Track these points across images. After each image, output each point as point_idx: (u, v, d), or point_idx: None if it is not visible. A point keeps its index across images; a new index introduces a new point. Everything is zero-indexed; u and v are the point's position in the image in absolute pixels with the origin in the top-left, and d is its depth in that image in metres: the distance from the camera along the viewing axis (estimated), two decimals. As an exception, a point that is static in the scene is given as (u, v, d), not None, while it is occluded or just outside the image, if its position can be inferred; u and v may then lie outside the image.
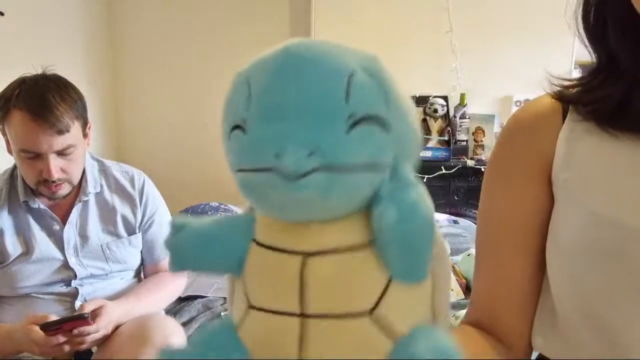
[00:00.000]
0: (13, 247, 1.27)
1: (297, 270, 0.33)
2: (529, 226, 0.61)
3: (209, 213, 2.53)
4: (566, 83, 0.61)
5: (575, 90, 0.60)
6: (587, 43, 0.60)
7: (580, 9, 0.60)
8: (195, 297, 1.66)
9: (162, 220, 1.44)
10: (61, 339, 1.13)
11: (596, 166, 0.56)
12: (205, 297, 1.67)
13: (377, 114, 0.32)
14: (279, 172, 0.31)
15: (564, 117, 0.60)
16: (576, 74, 2.87)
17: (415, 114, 0.36)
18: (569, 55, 2.81)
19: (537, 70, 2.57)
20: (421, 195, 0.32)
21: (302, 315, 0.33)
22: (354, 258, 0.33)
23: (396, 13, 2.85)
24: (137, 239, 1.40)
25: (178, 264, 0.38)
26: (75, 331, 1.14)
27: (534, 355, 0.67)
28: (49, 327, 1.12)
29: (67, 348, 1.15)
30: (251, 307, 0.36)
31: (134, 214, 1.39)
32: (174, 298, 1.48)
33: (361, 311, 0.33)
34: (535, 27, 2.79)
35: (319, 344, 0.33)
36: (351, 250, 0.33)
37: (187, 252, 0.38)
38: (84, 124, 1.28)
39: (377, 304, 0.33)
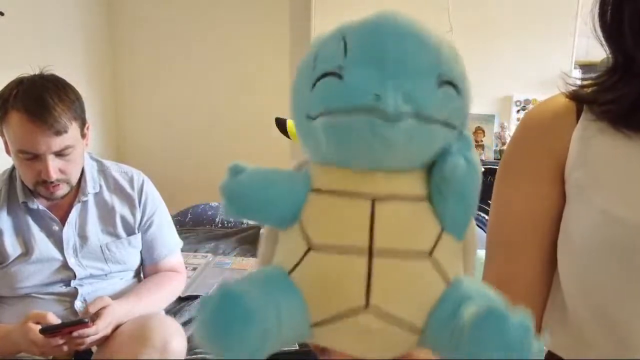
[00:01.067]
0: (12, 247, 1.27)
1: (368, 211, 0.36)
2: (540, 223, 0.62)
3: (209, 213, 2.53)
4: (581, 82, 0.62)
5: (590, 89, 0.61)
6: (603, 42, 0.60)
7: (597, 8, 0.60)
8: (195, 297, 1.65)
9: (161, 221, 1.43)
10: (60, 340, 1.13)
11: (609, 165, 0.57)
12: (205, 297, 1.66)
13: (457, 81, 0.36)
14: (376, 112, 0.33)
15: (578, 117, 0.61)
16: (576, 73, 2.86)
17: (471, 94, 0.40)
18: (569, 55, 2.81)
19: (537, 70, 2.60)
20: (477, 157, 0.38)
21: (370, 253, 0.35)
22: (417, 206, 0.37)
23: (396, 13, 2.84)
24: (137, 239, 1.39)
25: (235, 208, 0.38)
26: (75, 333, 1.14)
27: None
28: (48, 331, 1.12)
29: (66, 349, 1.15)
30: (312, 249, 0.37)
31: (133, 214, 1.38)
32: (174, 298, 1.47)
33: (422, 250, 0.36)
34: (535, 27, 2.79)
35: (386, 281, 0.35)
36: (414, 199, 0.37)
37: (245, 195, 0.38)
38: (82, 124, 1.28)
39: (434, 246, 0.37)
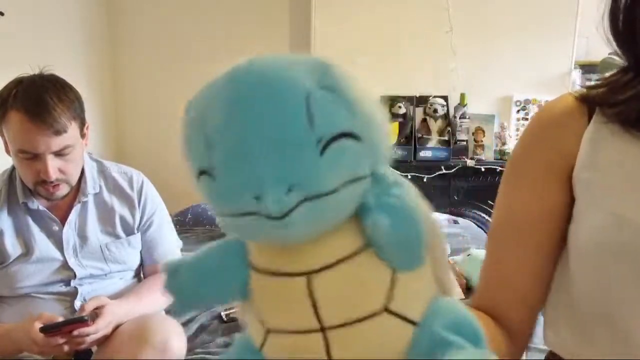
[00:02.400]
0: (13, 247, 1.27)
1: (305, 290, 0.33)
2: (544, 222, 0.62)
3: (209, 213, 2.53)
4: (592, 83, 0.62)
5: (601, 90, 0.60)
6: (614, 45, 0.60)
7: (608, 13, 0.60)
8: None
9: (161, 221, 1.43)
10: (60, 340, 1.13)
11: (620, 168, 0.56)
12: (205, 297, 1.66)
13: (344, 129, 0.31)
14: (262, 215, 0.30)
15: (589, 117, 0.60)
16: (576, 73, 2.86)
17: (381, 112, 0.35)
18: (569, 55, 2.81)
19: (537, 70, 2.60)
20: (405, 192, 0.33)
21: (322, 329, 0.33)
22: (355, 265, 0.34)
23: (396, 13, 2.84)
24: (136, 239, 1.39)
25: (182, 308, 0.38)
26: (75, 332, 1.14)
27: (543, 355, 0.68)
28: (48, 330, 1.12)
29: (66, 348, 1.15)
30: (270, 331, 0.36)
31: (133, 214, 1.38)
32: (174, 298, 1.47)
33: (376, 310, 0.33)
34: (535, 27, 2.79)
35: (346, 350, 0.34)
36: (350, 258, 0.33)
37: (188, 294, 0.37)
38: (82, 124, 1.28)
39: (388, 298, 0.34)
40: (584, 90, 0.62)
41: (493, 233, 0.68)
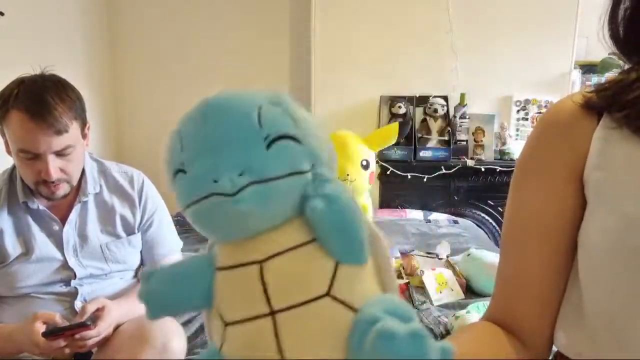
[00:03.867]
0: (13, 247, 1.27)
1: (257, 276, 0.38)
2: (556, 224, 0.61)
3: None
4: (598, 86, 0.61)
5: (608, 92, 0.59)
6: (616, 50, 0.60)
7: (607, 19, 0.60)
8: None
9: (161, 221, 1.44)
10: (62, 343, 1.13)
11: (631, 168, 0.55)
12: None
13: (287, 132, 0.39)
14: (219, 194, 0.37)
15: (599, 116, 0.59)
16: (576, 73, 2.87)
17: (324, 129, 0.42)
18: (569, 55, 2.81)
19: (537, 70, 2.60)
20: (340, 187, 0.39)
21: (272, 313, 0.37)
22: (302, 253, 0.39)
23: (396, 13, 2.85)
24: (137, 239, 1.39)
25: (154, 311, 0.42)
26: (77, 336, 1.14)
27: (551, 355, 0.67)
28: (50, 334, 1.12)
29: (67, 351, 1.16)
30: (227, 325, 0.39)
31: (133, 214, 1.38)
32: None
33: (319, 295, 0.37)
34: (535, 27, 2.79)
35: (292, 332, 0.37)
36: (298, 248, 0.39)
37: (158, 298, 0.42)
38: (83, 124, 1.28)
39: (330, 285, 0.38)
40: (590, 93, 0.61)
41: (505, 240, 0.67)
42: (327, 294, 0.37)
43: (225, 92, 0.40)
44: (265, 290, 0.37)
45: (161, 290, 0.42)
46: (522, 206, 0.65)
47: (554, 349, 0.65)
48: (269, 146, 0.38)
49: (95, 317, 1.19)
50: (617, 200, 0.55)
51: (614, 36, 0.59)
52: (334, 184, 0.39)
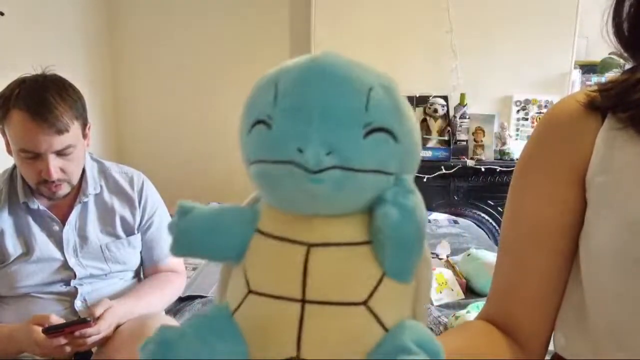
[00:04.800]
0: (13, 247, 1.27)
1: (302, 258, 0.36)
2: (555, 226, 0.60)
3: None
4: (602, 86, 0.60)
5: (612, 92, 0.58)
6: (621, 49, 0.59)
7: (611, 17, 0.59)
8: (195, 297, 1.65)
9: (161, 221, 1.43)
10: (62, 340, 1.13)
11: (636, 172, 0.54)
12: (205, 297, 1.66)
13: (390, 126, 0.36)
14: (299, 165, 0.34)
15: (603, 117, 0.58)
16: (576, 73, 2.87)
17: (419, 134, 0.39)
18: (569, 55, 2.81)
19: (537, 70, 2.60)
20: (419, 202, 0.36)
21: (303, 301, 0.35)
22: (354, 252, 0.36)
23: (396, 13, 2.85)
24: (136, 239, 1.40)
25: (181, 248, 0.39)
26: (77, 333, 1.14)
27: (548, 355, 0.66)
28: (50, 331, 1.12)
29: (68, 349, 1.15)
30: (251, 292, 0.37)
31: (133, 215, 1.39)
32: (174, 298, 1.47)
33: (356, 301, 0.36)
34: (535, 27, 2.79)
35: (317, 328, 0.35)
36: (351, 245, 0.36)
37: (191, 236, 0.39)
38: (84, 124, 1.28)
39: (370, 295, 0.36)
40: (594, 92, 0.59)
41: (505, 241, 0.66)
42: (365, 303, 0.36)
43: (337, 56, 0.36)
44: (304, 276, 0.35)
45: (194, 231, 0.39)
46: (521, 206, 0.63)
47: (552, 349, 0.65)
48: (367, 134, 0.35)
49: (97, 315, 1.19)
50: (622, 205, 0.53)
51: (618, 33, 0.58)
52: (414, 197, 0.36)
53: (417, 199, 0.36)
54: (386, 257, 0.36)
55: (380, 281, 0.36)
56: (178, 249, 0.39)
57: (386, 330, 0.36)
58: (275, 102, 0.35)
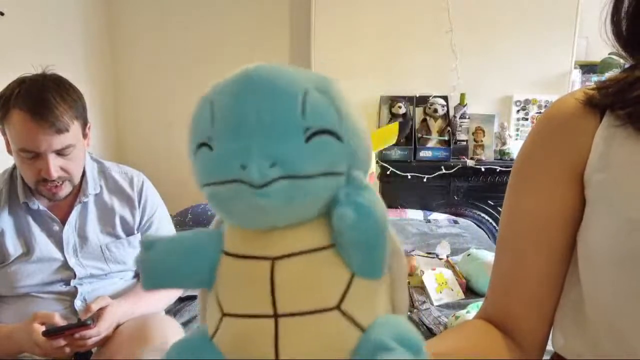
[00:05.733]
0: (14, 247, 1.27)
1: (267, 274, 0.35)
2: (554, 225, 0.60)
3: (209, 213, 2.53)
4: (600, 84, 0.59)
5: (610, 90, 0.58)
6: (619, 48, 0.59)
7: (610, 16, 0.59)
8: (195, 297, 1.65)
9: (161, 222, 1.44)
10: (62, 342, 1.14)
11: (635, 169, 0.53)
12: (205, 297, 1.67)
13: (330, 127, 0.35)
14: (244, 182, 0.33)
15: (602, 115, 0.58)
16: (576, 73, 2.87)
17: (366, 130, 0.39)
18: (569, 55, 2.81)
19: (537, 70, 2.60)
20: (374, 197, 0.35)
21: (275, 315, 0.35)
22: (318, 258, 0.36)
23: (396, 13, 2.85)
24: (136, 239, 1.39)
25: (151, 282, 0.39)
26: (77, 335, 1.14)
27: (547, 355, 0.66)
28: (51, 333, 1.12)
29: (68, 350, 1.16)
30: (225, 315, 0.37)
31: (133, 215, 1.39)
32: (174, 298, 1.48)
33: (328, 306, 0.35)
34: (535, 28, 2.79)
35: (293, 340, 0.35)
36: (315, 252, 0.36)
37: (158, 269, 0.39)
38: (84, 124, 1.28)
39: (342, 298, 0.35)
40: (592, 90, 0.59)
41: (503, 239, 0.66)
42: (337, 307, 0.35)
43: (268, 66, 0.36)
44: (272, 291, 0.35)
45: (161, 261, 0.39)
46: (519, 204, 0.63)
47: (551, 349, 0.65)
48: (308, 139, 0.34)
49: (96, 316, 1.19)
50: (621, 202, 0.53)
51: (617, 32, 0.58)
52: (368, 193, 0.35)
53: (370, 194, 0.35)
54: (352, 257, 0.36)
55: (350, 282, 0.36)
56: (148, 284, 0.39)
57: (363, 330, 0.36)
58: (212, 122, 0.35)
